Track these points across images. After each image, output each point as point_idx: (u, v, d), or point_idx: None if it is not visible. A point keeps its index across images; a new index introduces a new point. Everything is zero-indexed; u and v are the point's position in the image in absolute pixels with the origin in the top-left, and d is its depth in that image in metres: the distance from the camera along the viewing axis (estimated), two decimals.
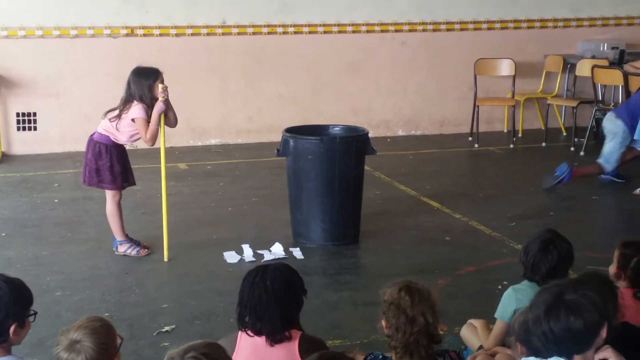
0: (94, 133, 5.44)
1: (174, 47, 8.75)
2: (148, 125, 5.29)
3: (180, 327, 4.42)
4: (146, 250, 5.55)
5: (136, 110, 5.28)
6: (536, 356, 2.50)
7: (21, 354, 2.96)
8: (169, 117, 5.39)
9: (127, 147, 5.59)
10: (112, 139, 5.38)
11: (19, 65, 8.39)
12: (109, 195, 5.47)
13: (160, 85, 5.27)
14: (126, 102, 5.32)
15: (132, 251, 5.51)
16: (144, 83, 5.29)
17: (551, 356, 2.44)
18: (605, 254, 4.52)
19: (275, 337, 2.94)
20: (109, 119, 5.35)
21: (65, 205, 6.50)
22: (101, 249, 5.54)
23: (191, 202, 6.87)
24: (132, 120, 5.29)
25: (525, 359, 2.55)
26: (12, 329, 2.77)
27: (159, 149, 5.40)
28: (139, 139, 5.47)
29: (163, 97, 5.26)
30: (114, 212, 5.49)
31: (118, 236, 5.53)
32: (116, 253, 5.52)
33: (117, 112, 5.34)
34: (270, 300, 2.94)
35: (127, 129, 5.34)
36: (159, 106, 5.26)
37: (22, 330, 2.83)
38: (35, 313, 2.88)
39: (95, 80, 8.44)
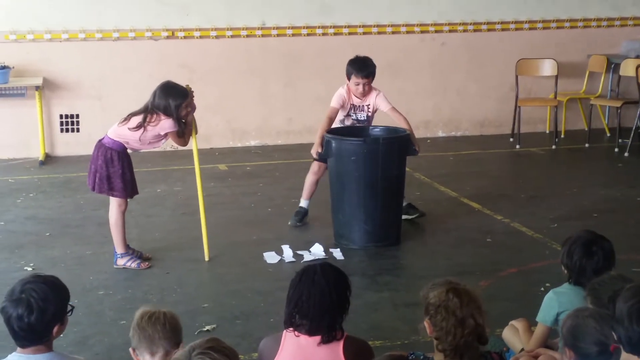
0: (104, 138, 5.28)
1: (214, 49, 8.81)
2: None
3: (221, 326, 4.44)
4: (147, 263, 5.35)
5: (168, 124, 5.18)
6: None
7: (65, 351, 2.99)
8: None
9: (170, 149, 5.58)
10: (126, 145, 5.26)
11: (62, 67, 8.51)
12: (115, 204, 5.29)
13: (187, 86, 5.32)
14: (149, 112, 5.19)
15: (132, 264, 5.30)
16: (172, 103, 5.17)
17: None
18: None
19: (328, 337, 2.92)
20: (129, 128, 5.18)
21: (107, 206, 6.51)
22: (142, 248, 5.57)
23: (231, 202, 6.90)
24: (165, 134, 5.21)
25: None
26: (55, 328, 2.82)
27: (199, 150, 5.44)
28: (158, 146, 5.46)
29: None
30: (119, 222, 5.29)
31: (119, 248, 5.32)
32: (115, 267, 5.31)
33: (139, 120, 5.18)
34: (333, 299, 2.92)
35: (151, 140, 5.25)
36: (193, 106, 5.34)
37: (62, 327, 2.87)
38: (73, 308, 2.91)
39: (137, 82, 8.50)
